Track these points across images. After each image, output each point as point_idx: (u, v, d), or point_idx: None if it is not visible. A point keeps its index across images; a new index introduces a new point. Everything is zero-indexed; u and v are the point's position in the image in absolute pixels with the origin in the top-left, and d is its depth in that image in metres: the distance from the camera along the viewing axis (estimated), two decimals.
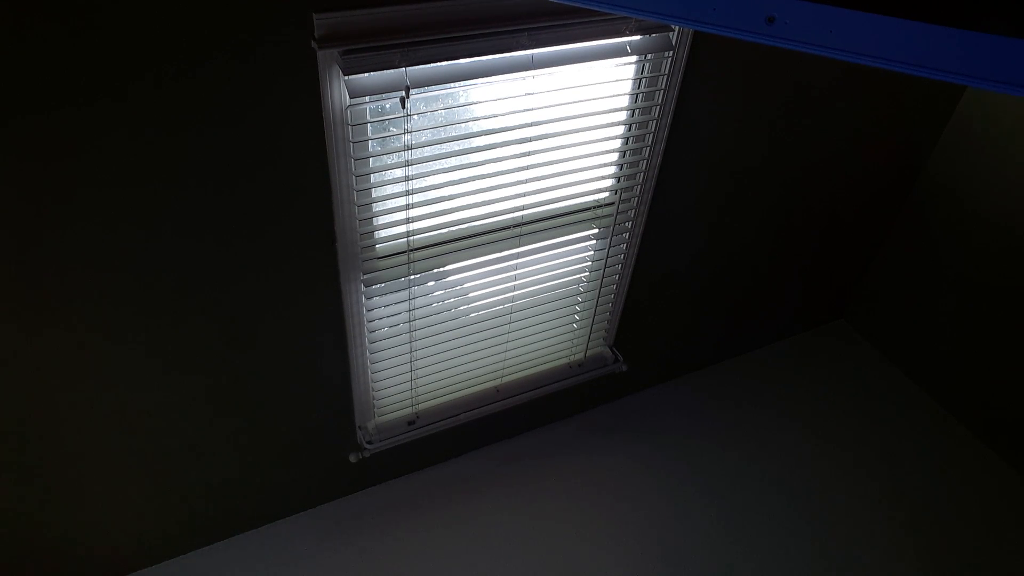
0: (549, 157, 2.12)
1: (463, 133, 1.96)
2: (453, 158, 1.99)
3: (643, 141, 2.28)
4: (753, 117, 2.45)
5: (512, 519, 2.77)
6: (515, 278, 2.38)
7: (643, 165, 2.33)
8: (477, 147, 1.99)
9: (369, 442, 2.49)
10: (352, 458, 2.53)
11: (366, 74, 1.70)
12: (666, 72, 2.13)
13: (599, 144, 2.19)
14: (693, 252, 2.79)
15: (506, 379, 2.73)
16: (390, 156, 1.91)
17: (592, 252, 2.48)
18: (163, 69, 1.50)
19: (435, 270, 2.20)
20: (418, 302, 2.25)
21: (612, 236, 2.46)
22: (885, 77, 2.62)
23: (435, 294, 2.27)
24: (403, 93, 1.76)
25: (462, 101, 1.95)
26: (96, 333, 1.83)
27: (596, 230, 2.42)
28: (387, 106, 1.85)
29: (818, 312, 3.60)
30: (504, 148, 2.04)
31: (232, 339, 2.04)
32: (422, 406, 2.60)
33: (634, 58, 2.08)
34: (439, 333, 2.38)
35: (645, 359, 3.12)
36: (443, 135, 1.95)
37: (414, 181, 1.96)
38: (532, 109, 1.99)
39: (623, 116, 2.19)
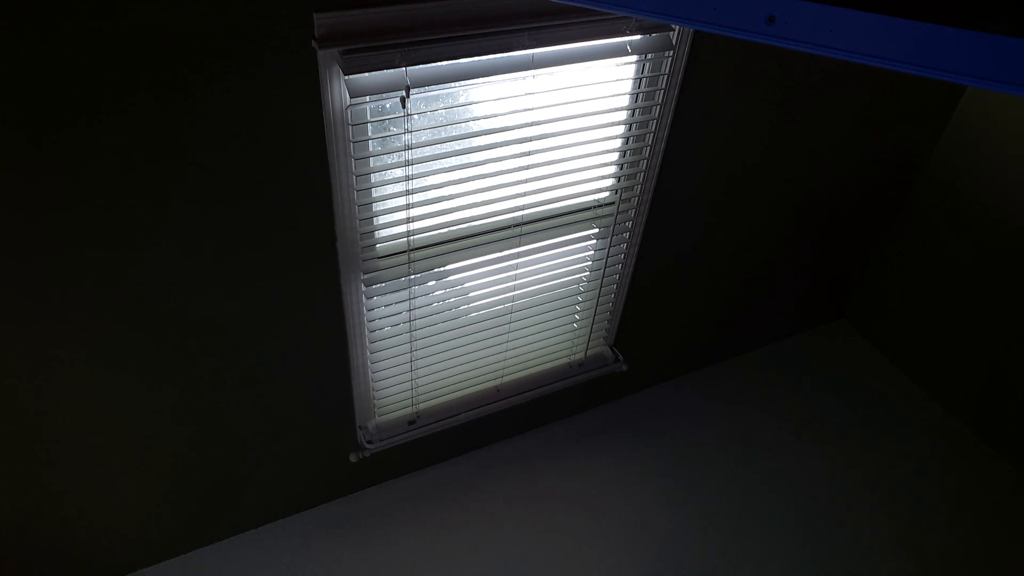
0: (549, 157, 2.12)
1: (463, 133, 1.96)
2: (453, 158, 1.99)
3: (643, 141, 2.28)
4: (753, 117, 2.45)
5: (512, 519, 2.77)
6: (515, 278, 2.38)
7: (643, 165, 2.33)
8: (477, 147, 1.99)
9: (369, 442, 2.49)
10: (352, 458, 2.53)
11: (366, 74, 1.70)
12: (666, 72, 2.13)
13: (599, 144, 2.19)
14: (693, 252, 2.79)
15: (506, 379, 2.73)
16: (390, 156, 1.91)
17: (592, 252, 2.48)
18: (163, 70, 1.50)
19: (435, 270, 2.20)
20: (418, 302, 2.25)
21: (612, 236, 2.46)
22: (885, 76, 2.62)
23: (435, 294, 2.27)
24: (403, 93, 1.76)
25: (462, 101, 1.95)
26: (96, 332, 1.84)
27: (596, 230, 2.42)
28: (387, 106, 1.85)
29: (818, 312, 3.60)
30: (504, 148, 2.03)
31: (232, 339, 2.04)
32: (422, 406, 2.60)
33: (634, 58, 2.08)
34: (439, 333, 2.38)
35: (645, 359, 3.12)
36: (443, 135, 1.95)
37: (414, 181, 1.96)
38: (532, 109, 1.99)
39: (623, 116, 2.19)
